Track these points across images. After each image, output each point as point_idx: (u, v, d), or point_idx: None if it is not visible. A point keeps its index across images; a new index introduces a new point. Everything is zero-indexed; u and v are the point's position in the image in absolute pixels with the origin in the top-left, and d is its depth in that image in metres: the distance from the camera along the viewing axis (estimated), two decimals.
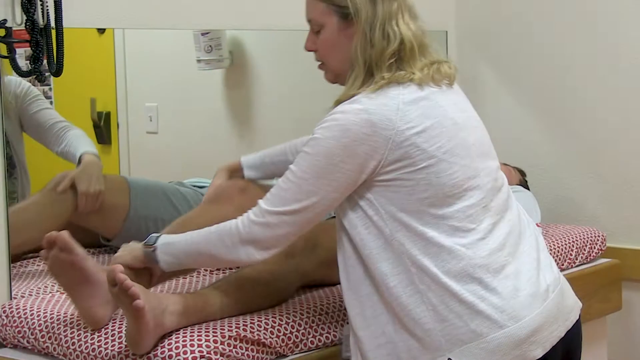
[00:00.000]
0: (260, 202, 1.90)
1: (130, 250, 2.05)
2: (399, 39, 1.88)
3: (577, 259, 2.96)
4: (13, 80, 2.87)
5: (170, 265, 1.99)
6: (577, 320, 1.98)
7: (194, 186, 3.05)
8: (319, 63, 2.04)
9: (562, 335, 1.90)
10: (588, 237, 3.03)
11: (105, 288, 1.96)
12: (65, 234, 1.98)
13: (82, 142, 2.96)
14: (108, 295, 1.97)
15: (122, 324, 2.00)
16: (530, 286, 1.86)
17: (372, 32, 1.89)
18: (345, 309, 2.18)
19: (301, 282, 2.26)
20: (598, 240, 3.06)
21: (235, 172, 2.40)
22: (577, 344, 2.00)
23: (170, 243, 1.99)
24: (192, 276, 2.44)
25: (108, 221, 2.80)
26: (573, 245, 2.96)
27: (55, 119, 3.02)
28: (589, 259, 3.02)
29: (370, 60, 1.89)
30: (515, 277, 1.85)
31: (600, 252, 3.07)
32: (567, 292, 1.99)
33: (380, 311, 1.86)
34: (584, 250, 2.99)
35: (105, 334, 2.00)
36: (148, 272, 2.06)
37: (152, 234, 2.02)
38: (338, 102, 1.89)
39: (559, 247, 2.90)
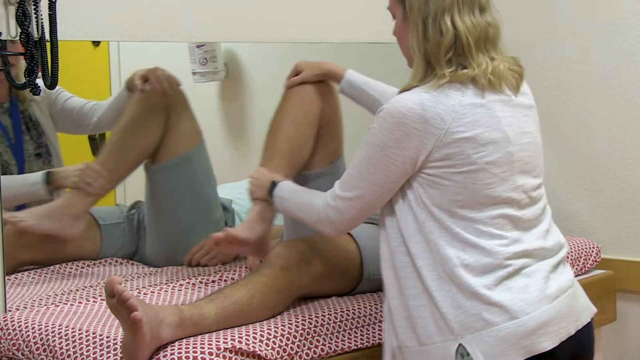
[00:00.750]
0: (336, 184, 2.04)
1: (261, 186, 2.30)
2: (452, 34, 1.91)
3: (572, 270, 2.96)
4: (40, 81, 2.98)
5: (282, 211, 2.28)
6: (588, 323, 2.02)
7: None
8: None
9: (572, 333, 1.95)
10: (583, 249, 3.03)
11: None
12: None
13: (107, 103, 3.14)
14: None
15: (117, 336, 2.00)
16: (538, 286, 1.92)
17: (425, 26, 1.93)
18: (338, 319, 2.18)
19: (296, 295, 2.26)
20: (593, 251, 3.06)
21: (330, 76, 2.53)
22: (588, 347, 2.04)
23: (282, 198, 2.23)
24: (187, 288, 2.43)
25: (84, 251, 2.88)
26: (568, 257, 2.95)
27: (85, 101, 3.16)
28: (583, 270, 3.02)
29: (427, 53, 1.93)
30: (528, 276, 1.92)
31: (594, 263, 3.07)
32: (579, 295, 2.05)
33: (409, 285, 1.95)
34: (579, 261, 3.00)
35: (100, 346, 2.00)
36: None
37: (274, 180, 2.27)
38: (401, 92, 1.95)
39: None
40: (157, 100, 2.89)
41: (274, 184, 2.26)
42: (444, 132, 1.87)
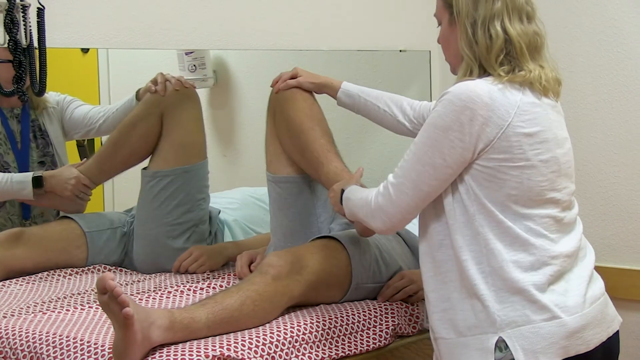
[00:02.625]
0: (390, 174, 2.02)
1: (336, 197, 2.26)
2: (502, 38, 1.94)
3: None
4: (54, 93, 3.11)
5: (346, 215, 2.21)
6: (617, 332, 2.06)
7: None
8: None
9: (604, 339, 1.99)
10: None
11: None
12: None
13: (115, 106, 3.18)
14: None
15: (104, 342, 2.00)
16: (578, 290, 1.95)
17: (474, 30, 1.97)
18: (326, 327, 2.18)
19: (288, 304, 2.26)
20: None
21: (327, 87, 2.58)
22: (616, 355, 2.09)
23: (347, 198, 2.19)
24: (176, 295, 2.43)
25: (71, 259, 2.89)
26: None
27: (94, 107, 3.21)
28: None
29: (478, 57, 1.96)
30: (567, 282, 1.95)
31: None
32: (609, 303, 2.08)
33: (451, 278, 1.97)
34: None
35: (88, 353, 2.00)
36: None
37: (343, 188, 2.24)
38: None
39: None
40: (153, 106, 2.91)
41: (342, 192, 2.24)
42: (507, 124, 1.89)
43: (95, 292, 1.97)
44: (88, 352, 2.00)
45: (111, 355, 1.94)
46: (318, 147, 2.46)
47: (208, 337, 2.04)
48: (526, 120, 1.91)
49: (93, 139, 3.57)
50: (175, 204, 2.87)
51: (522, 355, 1.87)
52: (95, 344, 2.01)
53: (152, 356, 1.93)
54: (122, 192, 3.66)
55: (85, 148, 3.54)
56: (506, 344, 1.89)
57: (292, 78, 2.55)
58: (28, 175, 2.84)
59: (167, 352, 1.94)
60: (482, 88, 1.90)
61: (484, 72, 1.96)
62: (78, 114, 3.18)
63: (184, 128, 2.92)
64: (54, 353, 2.04)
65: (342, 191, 2.22)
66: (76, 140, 3.42)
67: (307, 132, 2.48)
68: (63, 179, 2.86)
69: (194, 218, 2.91)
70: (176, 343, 1.99)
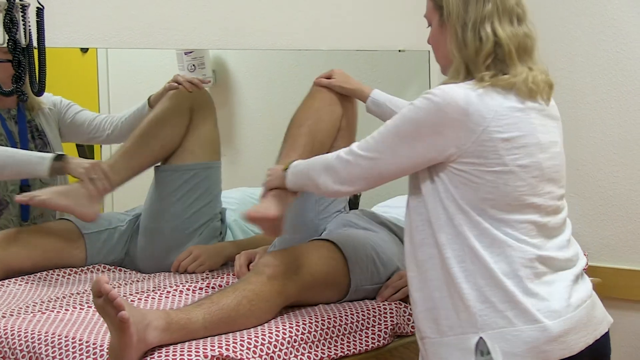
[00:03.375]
0: (354, 142, 2.04)
1: (276, 173, 2.23)
2: (492, 41, 1.94)
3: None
4: (49, 94, 3.05)
5: (292, 186, 2.21)
6: (606, 333, 2.04)
7: None
8: None
9: (590, 343, 1.96)
10: None
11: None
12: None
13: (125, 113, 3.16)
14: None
15: (103, 342, 2.00)
16: (562, 294, 1.93)
17: (464, 33, 1.96)
18: (325, 326, 2.18)
19: (284, 304, 2.26)
20: None
21: (357, 94, 2.60)
22: (605, 357, 2.06)
23: (294, 166, 2.20)
24: (175, 295, 2.43)
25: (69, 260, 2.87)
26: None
27: (98, 114, 3.19)
28: None
29: (467, 59, 1.95)
30: (550, 284, 1.93)
31: None
32: (597, 305, 2.05)
33: (433, 277, 1.96)
34: None
35: (87, 353, 2.00)
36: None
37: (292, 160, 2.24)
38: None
39: None
40: (183, 101, 2.92)
41: (290, 162, 2.24)
42: (482, 129, 1.88)
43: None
44: (87, 352, 2.00)
45: (109, 356, 1.94)
46: (288, 144, 2.44)
47: (206, 337, 2.04)
48: (504, 125, 1.90)
49: None
50: (196, 198, 2.89)
51: (502, 358, 1.86)
52: (94, 344, 2.01)
53: (151, 356, 1.93)
54: (123, 192, 3.66)
55: (84, 147, 3.53)
56: (487, 346, 1.88)
57: (328, 77, 2.57)
58: (49, 154, 2.82)
59: (165, 352, 1.94)
60: (460, 93, 1.90)
61: (470, 75, 1.95)
62: (80, 119, 3.16)
63: (209, 125, 2.97)
64: (52, 353, 2.05)
65: (288, 166, 2.22)
66: None
67: (291, 128, 2.48)
68: (82, 160, 2.83)
69: (209, 213, 2.93)
70: (174, 344, 1.99)
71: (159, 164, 2.95)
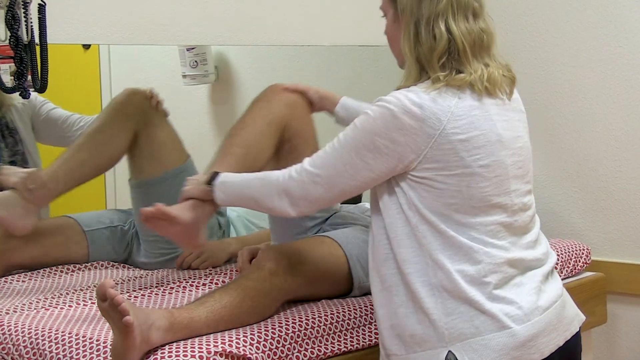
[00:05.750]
0: (305, 159, 1.97)
1: (197, 183, 2.13)
2: (446, 38, 1.89)
3: (561, 273, 2.97)
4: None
5: (223, 202, 2.11)
6: (577, 332, 2.01)
7: None
8: None
9: (561, 344, 1.94)
10: (572, 251, 3.04)
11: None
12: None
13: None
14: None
15: (106, 339, 2.00)
16: (530, 296, 1.90)
17: (418, 30, 1.91)
18: (328, 322, 2.18)
19: (286, 299, 2.26)
20: (583, 253, 3.07)
21: (327, 98, 2.50)
22: (577, 355, 2.03)
23: (225, 182, 2.09)
24: (178, 291, 2.43)
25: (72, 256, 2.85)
26: (558, 259, 2.96)
27: (72, 113, 3.14)
28: (573, 273, 3.03)
29: (419, 56, 1.91)
30: (518, 287, 1.91)
31: (584, 265, 3.08)
32: (568, 304, 2.03)
33: (396, 292, 1.92)
34: (569, 263, 3.00)
35: (90, 349, 2.00)
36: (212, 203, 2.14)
37: (214, 171, 2.13)
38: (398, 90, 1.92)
39: None
40: (126, 108, 2.81)
41: (215, 174, 2.12)
42: (439, 132, 1.84)
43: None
44: (90, 348, 2.00)
45: (112, 356, 1.94)
46: (223, 147, 2.34)
47: (209, 334, 2.04)
48: (461, 125, 1.85)
49: None
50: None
51: None
52: (97, 340, 2.02)
53: (154, 354, 1.93)
54: (124, 190, 3.66)
55: None
56: (456, 358, 1.85)
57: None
58: None
59: (168, 349, 1.94)
60: (412, 98, 1.85)
61: (424, 75, 1.91)
62: (53, 116, 3.10)
63: (165, 128, 2.88)
64: (56, 349, 2.05)
65: (214, 173, 2.12)
66: None
67: (227, 139, 2.37)
68: (17, 169, 2.71)
69: None
70: (177, 341, 1.99)
71: (135, 179, 2.89)
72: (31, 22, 2.26)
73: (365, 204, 2.94)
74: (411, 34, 1.92)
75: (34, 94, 2.95)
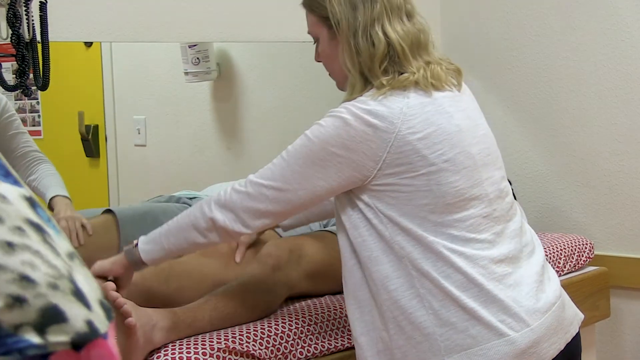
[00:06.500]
0: (251, 175, 1.87)
1: (109, 258, 2.00)
2: (384, 43, 1.84)
3: (565, 267, 2.97)
4: None
5: (151, 254, 1.94)
6: (577, 333, 1.97)
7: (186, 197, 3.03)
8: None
9: (562, 348, 1.88)
10: (576, 245, 3.04)
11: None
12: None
13: (53, 181, 2.89)
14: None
15: None
16: (529, 299, 1.84)
17: (356, 40, 1.85)
18: (331, 318, 2.18)
19: (288, 293, 2.26)
20: (586, 248, 3.07)
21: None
22: (577, 356, 1.99)
23: (149, 234, 1.95)
24: None
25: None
26: (561, 254, 2.97)
27: (28, 147, 2.95)
28: (576, 267, 3.03)
29: (361, 67, 1.86)
30: (514, 288, 1.83)
31: (588, 260, 3.08)
32: (567, 304, 1.98)
33: (377, 316, 1.84)
34: (572, 258, 3.00)
35: None
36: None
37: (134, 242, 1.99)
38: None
39: (546, 255, 2.90)
40: None
41: (134, 244, 1.97)
42: (395, 135, 1.77)
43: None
44: None
45: None
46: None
47: (212, 331, 2.05)
48: (416, 124, 1.79)
49: (97, 133, 3.56)
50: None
51: None
52: None
53: (157, 351, 1.94)
54: (126, 187, 3.66)
55: (89, 142, 3.53)
56: None
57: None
58: None
59: (172, 346, 1.94)
60: (361, 107, 1.80)
61: (368, 85, 1.86)
62: (11, 144, 2.82)
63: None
64: None
65: (132, 246, 1.96)
66: (80, 134, 3.41)
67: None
68: None
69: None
70: (180, 339, 1.99)
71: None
72: (32, 20, 2.26)
73: None
74: (351, 46, 1.86)
75: (4, 101, 2.88)
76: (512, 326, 1.79)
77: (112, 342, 0.85)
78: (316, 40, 1.99)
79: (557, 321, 1.88)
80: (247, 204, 1.85)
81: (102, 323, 0.83)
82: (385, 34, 1.85)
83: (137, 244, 1.96)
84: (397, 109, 1.80)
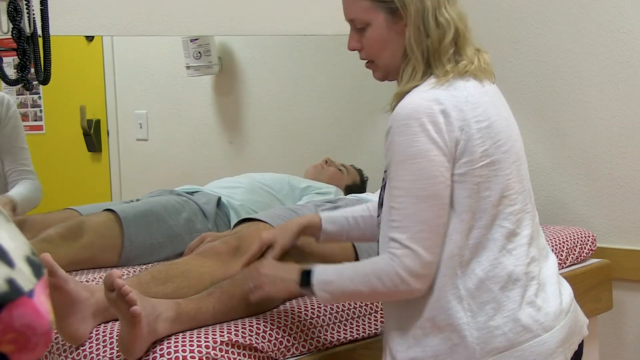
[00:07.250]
0: (389, 234, 1.78)
1: (282, 280, 1.98)
2: (453, 26, 1.83)
3: (567, 260, 2.97)
4: None
5: (325, 301, 1.95)
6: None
7: (187, 192, 3.02)
8: (366, 62, 1.95)
9: (576, 349, 1.90)
10: (578, 238, 3.04)
11: (85, 305, 1.97)
12: (48, 257, 1.91)
13: (17, 189, 2.93)
14: (87, 312, 1.97)
15: (112, 331, 2.00)
16: (555, 299, 1.85)
17: (427, 23, 1.82)
18: (334, 311, 2.18)
19: None
20: (588, 240, 3.07)
21: (309, 227, 2.23)
22: (580, 355, 1.98)
23: (327, 282, 1.86)
24: None
25: (102, 261, 2.72)
26: (563, 246, 2.96)
27: (21, 162, 2.98)
28: (579, 260, 3.03)
29: (427, 51, 1.83)
30: (543, 288, 1.84)
31: (590, 252, 3.08)
32: (578, 307, 1.98)
33: (414, 313, 1.82)
34: (575, 250, 3.00)
35: (97, 341, 2.00)
36: None
37: (303, 268, 1.92)
38: (399, 95, 1.83)
39: (549, 247, 2.90)
40: None
41: (306, 272, 1.90)
42: (466, 123, 1.76)
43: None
44: (97, 339, 2.01)
45: (118, 346, 1.95)
46: None
47: (215, 324, 2.05)
48: (480, 113, 1.79)
49: (99, 128, 3.57)
50: (169, 229, 2.80)
51: None
52: (104, 332, 2.02)
53: (161, 343, 1.94)
54: (129, 181, 3.67)
55: (91, 137, 3.54)
56: None
57: (265, 249, 2.23)
58: None
59: (175, 339, 1.94)
60: (428, 97, 1.77)
61: (428, 69, 1.83)
62: (15, 139, 2.98)
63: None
64: (62, 341, 2.05)
65: (304, 271, 1.91)
66: (82, 128, 3.41)
67: None
68: None
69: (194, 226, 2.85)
70: (183, 331, 1.99)
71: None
72: (33, 14, 2.26)
73: (369, 195, 2.94)
74: (420, 30, 1.82)
75: (6, 96, 2.93)
76: (545, 327, 1.80)
77: (40, 300, 0.78)
78: (363, 26, 1.90)
79: (574, 321, 1.89)
80: (418, 258, 1.76)
81: (26, 281, 0.78)
82: (450, 17, 1.83)
83: (312, 287, 1.88)
84: (463, 97, 1.79)
